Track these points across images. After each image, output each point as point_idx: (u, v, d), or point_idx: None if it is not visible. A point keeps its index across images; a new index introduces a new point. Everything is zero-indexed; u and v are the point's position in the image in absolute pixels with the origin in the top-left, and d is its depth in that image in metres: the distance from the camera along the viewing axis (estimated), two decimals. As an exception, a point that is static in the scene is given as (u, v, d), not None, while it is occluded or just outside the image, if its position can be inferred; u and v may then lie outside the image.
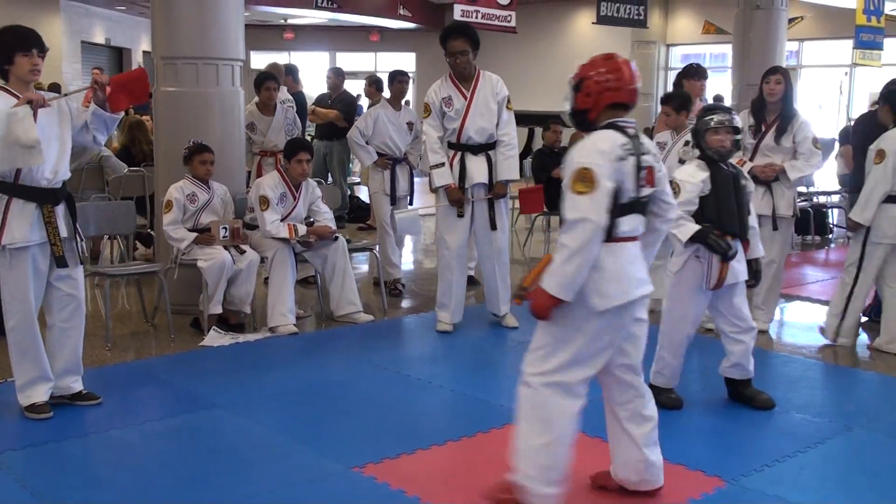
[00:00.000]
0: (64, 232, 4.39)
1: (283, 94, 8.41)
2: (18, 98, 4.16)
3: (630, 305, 3.32)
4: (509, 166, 6.03)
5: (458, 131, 5.95)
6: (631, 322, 3.38)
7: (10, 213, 4.26)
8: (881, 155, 5.70)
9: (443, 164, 5.91)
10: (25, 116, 4.06)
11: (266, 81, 7.84)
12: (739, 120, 4.62)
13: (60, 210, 4.40)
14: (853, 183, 10.67)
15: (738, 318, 4.64)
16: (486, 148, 6.02)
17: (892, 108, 5.97)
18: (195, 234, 6.00)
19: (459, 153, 5.97)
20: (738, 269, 4.54)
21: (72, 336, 4.56)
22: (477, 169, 5.97)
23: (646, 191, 3.33)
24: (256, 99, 7.92)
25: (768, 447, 4.28)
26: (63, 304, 4.50)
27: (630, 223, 3.31)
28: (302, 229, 6.21)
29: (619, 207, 3.24)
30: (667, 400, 4.63)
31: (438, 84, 6.09)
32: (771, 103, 6.01)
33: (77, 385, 4.64)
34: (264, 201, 6.16)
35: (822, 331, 6.18)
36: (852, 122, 15.79)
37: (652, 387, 4.54)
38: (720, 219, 4.49)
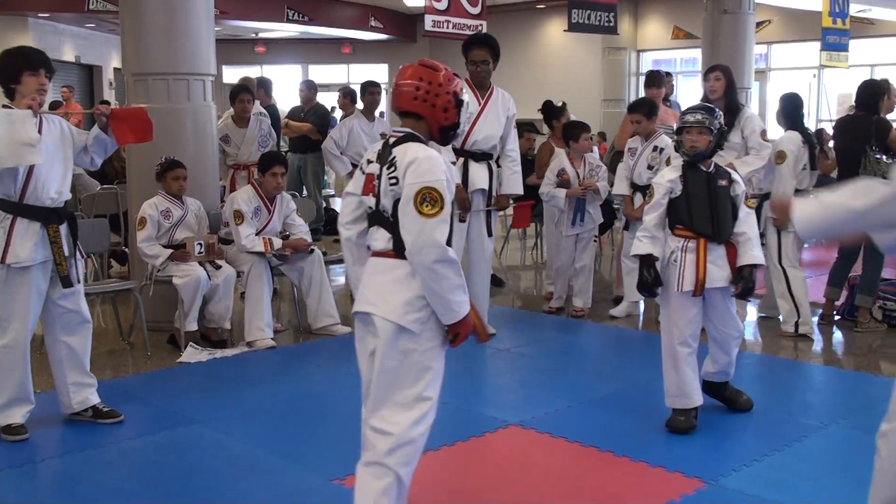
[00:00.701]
0: (66, 251, 4.43)
1: (257, 106, 8.40)
2: None
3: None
4: (516, 182, 6.16)
5: (465, 135, 5.93)
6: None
7: (14, 233, 4.30)
8: (782, 156, 6.14)
9: (454, 163, 5.86)
10: (26, 117, 4.15)
11: (240, 94, 7.83)
12: (719, 121, 4.47)
13: (63, 229, 4.45)
14: (823, 183, 10.87)
15: (723, 322, 4.52)
16: (488, 157, 6.06)
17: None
18: (170, 251, 5.97)
19: (462, 159, 5.97)
20: (716, 274, 4.40)
21: (78, 350, 4.60)
22: (479, 175, 5.99)
23: (369, 200, 3.09)
24: (231, 112, 7.90)
25: (746, 447, 4.31)
26: (67, 321, 4.54)
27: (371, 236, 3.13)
28: (277, 243, 6.20)
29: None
30: (674, 422, 4.46)
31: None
32: (714, 101, 6.02)
33: (94, 397, 4.66)
34: (239, 216, 6.15)
35: (782, 326, 6.33)
36: (822, 124, 16.02)
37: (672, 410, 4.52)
38: (691, 221, 4.42)
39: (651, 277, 4.38)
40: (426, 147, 3.03)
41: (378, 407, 3.01)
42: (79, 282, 4.58)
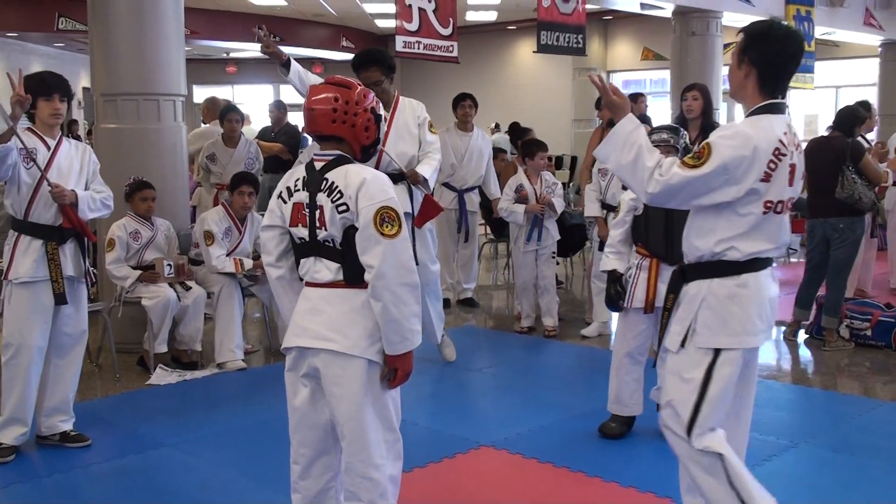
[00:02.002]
0: (70, 271, 4.44)
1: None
2: (43, 139, 4.37)
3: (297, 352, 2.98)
4: (428, 164, 5.66)
5: (377, 157, 5.43)
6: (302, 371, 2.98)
7: (17, 249, 4.37)
8: None
9: None
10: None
11: (229, 113, 7.76)
12: (684, 140, 4.52)
13: (68, 249, 4.44)
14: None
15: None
16: (404, 177, 5.60)
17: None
18: (139, 272, 5.92)
19: None
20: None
21: (65, 376, 4.58)
22: (398, 197, 5.63)
23: (300, 231, 2.93)
24: (221, 131, 7.85)
25: (717, 466, 4.32)
26: (61, 343, 4.53)
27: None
28: (248, 263, 6.16)
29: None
30: (604, 427, 4.63)
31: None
32: (691, 120, 6.09)
33: (66, 425, 4.62)
34: (209, 236, 6.12)
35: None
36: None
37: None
38: (647, 239, 4.53)
39: (615, 292, 4.46)
40: (365, 167, 2.92)
41: (355, 452, 2.86)
42: (81, 301, 4.58)
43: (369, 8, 16.78)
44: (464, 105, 8.05)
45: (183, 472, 4.32)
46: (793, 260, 10.93)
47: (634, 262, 4.58)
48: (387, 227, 2.77)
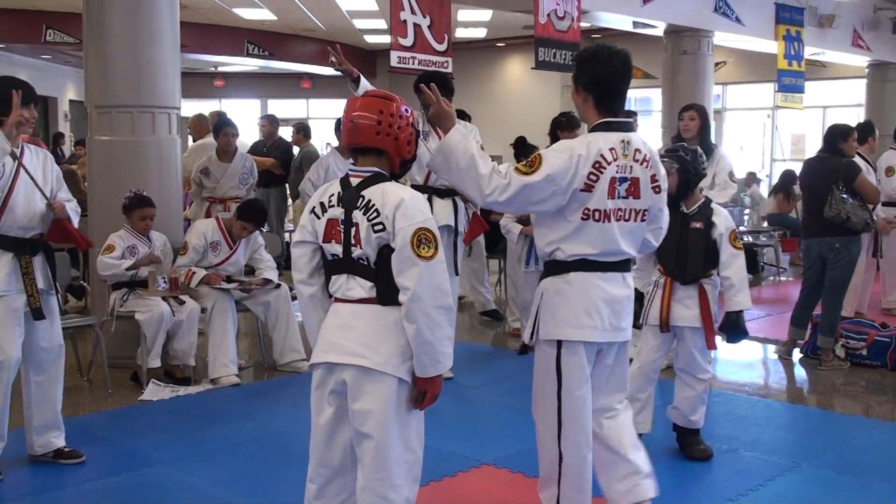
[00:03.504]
0: (41, 283, 4.33)
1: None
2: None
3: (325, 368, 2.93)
4: None
5: (427, 172, 5.76)
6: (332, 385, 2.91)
7: None
8: None
9: None
10: None
11: (225, 127, 7.68)
12: (689, 163, 4.47)
13: (38, 262, 4.34)
14: (780, 222, 11.05)
15: (687, 362, 4.56)
16: (453, 192, 5.86)
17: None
18: (131, 261, 5.85)
19: (426, 195, 5.86)
20: (681, 313, 4.48)
21: (49, 391, 4.48)
22: (445, 212, 5.82)
23: (333, 247, 2.91)
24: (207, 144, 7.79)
25: (720, 486, 4.30)
26: (39, 359, 4.43)
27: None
28: (195, 280, 6.03)
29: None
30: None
31: (418, 115, 5.92)
32: (688, 140, 6.07)
33: (59, 441, 4.53)
34: (185, 247, 6.13)
35: None
36: (777, 164, 16.31)
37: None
38: (662, 258, 4.55)
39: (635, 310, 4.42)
40: (403, 186, 2.87)
41: (375, 470, 2.81)
42: (53, 313, 4.47)
43: (359, 24, 16.78)
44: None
45: (178, 489, 4.24)
46: (782, 279, 10.97)
47: (654, 279, 4.61)
48: (424, 248, 2.73)
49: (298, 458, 4.55)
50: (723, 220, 4.52)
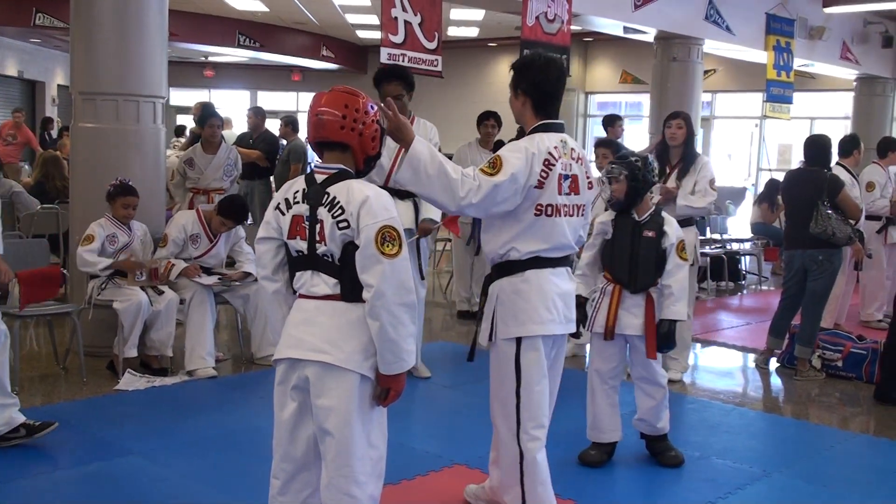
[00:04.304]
0: None
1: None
2: None
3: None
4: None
5: (387, 173, 5.52)
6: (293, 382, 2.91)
7: None
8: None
9: None
10: None
11: (210, 118, 7.64)
12: (638, 171, 4.45)
13: None
14: (764, 231, 11.10)
15: (646, 369, 4.57)
16: (413, 193, 5.80)
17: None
18: (111, 261, 5.82)
19: None
20: (628, 321, 4.48)
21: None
22: (406, 215, 5.70)
23: (298, 244, 2.90)
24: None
25: (690, 494, 4.32)
26: None
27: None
28: (174, 273, 6.01)
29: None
30: (584, 455, 4.58)
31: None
32: (673, 147, 6.10)
33: (19, 416, 4.48)
34: (165, 239, 6.11)
35: None
36: (763, 174, 16.37)
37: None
38: (611, 265, 4.57)
39: (577, 317, 4.41)
40: (368, 184, 2.87)
41: (339, 467, 2.81)
42: None
43: (351, 18, 16.76)
44: (486, 125, 8.32)
45: (150, 481, 4.23)
46: (763, 288, 11.02)
47: (600, 287, 4.60)
48: (388, 246, 2.73)
49: (273, 453, 4.58)
50: (674, 230, 4.55)
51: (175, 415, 5.19)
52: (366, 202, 2.76)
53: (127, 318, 5.70)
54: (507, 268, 3.49)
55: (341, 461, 2.81)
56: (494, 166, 3.33)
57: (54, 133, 15.93)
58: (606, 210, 4.73)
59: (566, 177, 3.45)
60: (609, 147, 6.67)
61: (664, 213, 4.63)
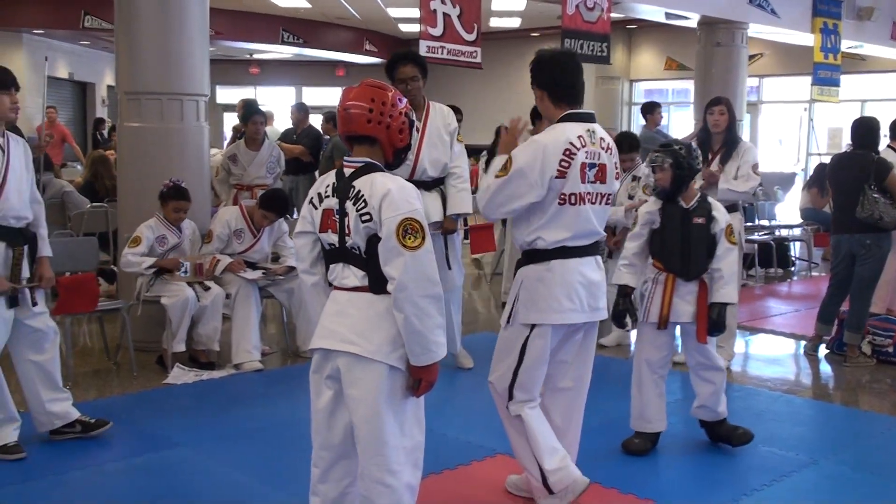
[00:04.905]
0: (26, 272, 4.39)
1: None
2: None
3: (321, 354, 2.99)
4: (462, 199, 5.72)
5: (412, 166, 5.58)
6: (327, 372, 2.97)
7: None
8: None
9: None
10: None
11: (253, 115, 7.72)
12: (683, 158, 4.43)
13: (24, 251, 4.39)
14: (813, 217, 10.91)
15: (702, 355, 4.56)
16: (440, 183, 5.75)
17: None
18: (154, 259, 5.93)
19: None
20: (683, 309, 4.47)
21: (48, 367, 4.52)
22: (432, 206, 5.64)
23: (329, 237, 2.95)
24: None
25: (735, 481, 4.29)
26: (34, 339, 4.47)
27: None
28: (219, 268, 6.10)
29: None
30: (629, 444, 4.56)
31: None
32: (716, 134, 6.05)
33: (74, 410, 4.61)
34: (210, 235, 6.21)
35: None
36: (813, 158, 16.10)
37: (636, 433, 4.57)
38: (662, 255, 4.53)
39: (623, 307, 4.44)
40: (392, 176, 2.90)
41: (372, 456, 2.85)
42: (35, 303, 4.47)
43: (393, 12, 16.79)
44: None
45: (198, 473, 4.31)
46: (814, 274, 10.86)
47: (650, 276, 4.57)
48: (410, 238, 2.75)
49: (312, 442, 4.63)
50: (722, 215, 4.53)
51: (222, 407, 5.27)
52: (387, 195, 2.79)
53: (175, 314, 5.80)
54: (535, 255, 3.62)
55: (374, 450, 2.85)
56: (506, 168, 3.53)
57: (105, 133, 16.22)
58: (633, 196, 4.73)
59: (592, 165, 3.54)
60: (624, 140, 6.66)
61: (711, 199, 4.61)
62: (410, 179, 5.69)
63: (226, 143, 10.14)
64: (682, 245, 4.47)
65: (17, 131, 7.71)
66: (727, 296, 4.43)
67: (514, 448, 3.81)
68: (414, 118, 3.05)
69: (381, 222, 2.78)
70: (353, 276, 2.89)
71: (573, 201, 3.53)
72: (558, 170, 3.47)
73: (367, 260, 2.85)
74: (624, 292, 4.47)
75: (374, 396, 2.82)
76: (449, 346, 6.06)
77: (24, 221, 4.37)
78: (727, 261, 4.46)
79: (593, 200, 3.58)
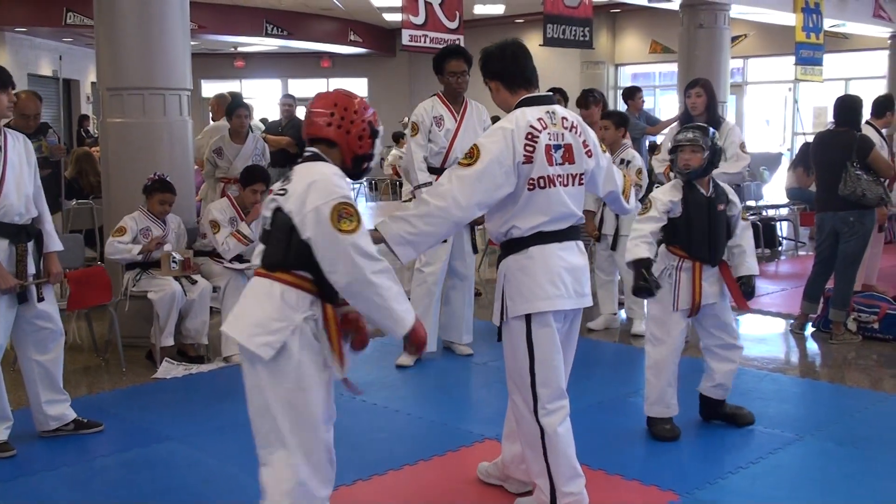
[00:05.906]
0: (32, 269, 4.40)
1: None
2: None
3: None
4: None
5: (445, 152, 5.84)
6: None
7: None
8: None
9: (430, 185, 5.66)
10: None
11: (238, 109, 7.70)
12: (712, 140, 4.45)
13: (29, 248, 4.40)
14: (799, 196, 10.96)
15: (726, 332, 4.62)
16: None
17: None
18: (140, 246, 5.94)
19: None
20: (709, 291, 4.52)
21: (51, 368, 4.55)
22: None
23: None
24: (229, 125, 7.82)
25: (722, 459, 4.33)
26: (40, 338, 4.50)
27: None
28: (246, 230, 6.14)
29: None
30: (661, 431, 4.55)
31: (430, 103, 5.96)
32: (696, 116, 6.06)
33: (70, 412, 4.64)
34: (215, 225, 6.16)
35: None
36: (798, 137, 16.16)
37: (649, 419, 4.59)
38: (689, 244, 4.50)
39: (646, 279, 4.34)
40: (329, 165, 2.97)
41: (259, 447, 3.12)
42: (41, 299, 4.47)
43: (377, 2, 16.76)
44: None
45: (188, 466, 4.33)
46: (801, 253, 10.91)
47: (671, 263, 4.52)
48: (345, 222, 2.82)
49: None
50: (736, 199, 4.67)
51: (212, 400, 5.29)
52: (315, 182, 2.88)
53: (162, 308, 5.81)
54: (513, 245, 3.51)
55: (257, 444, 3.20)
56: (472, 156, 3.38)
57: (91, 129, 16.19)
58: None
59: (557, 147, 3.45)
60: (611, 118, 6.61)
61: (721, 183, 4.66)
62: (442, 166, 5.79)
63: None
64: (708, 235, 4.49)
65: (47, 127, 7.71)
66: (752, 268, 4.59)
67: (527, 458, 3.60)
68: (381, 129, 3.13)
69: (305, 209, 2.84)
70: (257, 253, 3.05)
71: (542, 185, 3.42)
72: (524, 155, 3.38)
73: (268, 232, 2.98)
74: (647, 264, 4.37)
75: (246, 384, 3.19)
76: (453, 334, 6.15)
77: (27, 218, 4.36)
78: (745, 235, 4.62)
79: (564, 182, 3.47)
